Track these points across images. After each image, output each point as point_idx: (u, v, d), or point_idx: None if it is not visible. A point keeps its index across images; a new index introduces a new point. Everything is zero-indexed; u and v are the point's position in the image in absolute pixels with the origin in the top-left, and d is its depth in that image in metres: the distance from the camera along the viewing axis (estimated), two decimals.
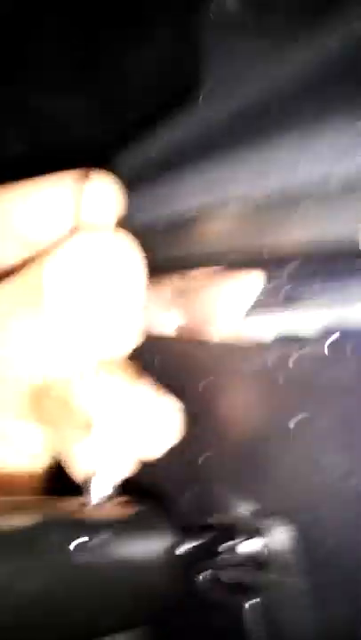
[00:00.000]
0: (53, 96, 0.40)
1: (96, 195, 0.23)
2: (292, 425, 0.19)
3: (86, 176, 0.23)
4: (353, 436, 0.17)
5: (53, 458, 0.27)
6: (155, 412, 0.22)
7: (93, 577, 0.19)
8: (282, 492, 0.20)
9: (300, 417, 0.18)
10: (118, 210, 0.25)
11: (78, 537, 0.18)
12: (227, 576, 0.23)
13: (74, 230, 0.23)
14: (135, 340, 0.22)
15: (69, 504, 0.21)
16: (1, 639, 0.17)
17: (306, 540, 0.20)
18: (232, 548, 0.21)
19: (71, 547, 0.18)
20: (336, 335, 0.18)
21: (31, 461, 0.27)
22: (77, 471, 0.23)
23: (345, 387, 0.17)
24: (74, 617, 0.18)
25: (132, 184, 0.26)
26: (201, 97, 0.26)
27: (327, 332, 0.17)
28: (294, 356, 0.18)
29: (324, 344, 0.18)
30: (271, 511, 0.21)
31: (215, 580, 0.23)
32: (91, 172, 0.24)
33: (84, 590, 0.18)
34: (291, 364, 0.18)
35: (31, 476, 0.26)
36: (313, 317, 0.17)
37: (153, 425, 0.22)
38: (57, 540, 0.18)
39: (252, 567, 0.22)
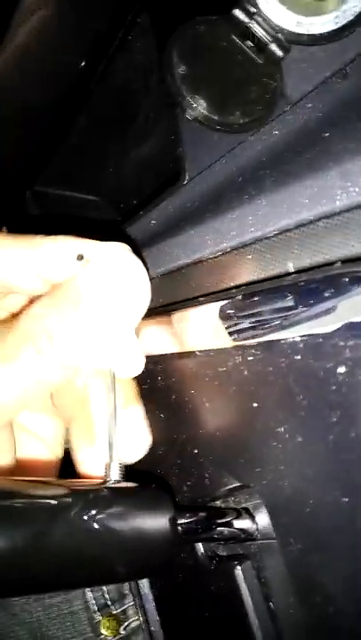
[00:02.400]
0: (69, 188, 0.48)
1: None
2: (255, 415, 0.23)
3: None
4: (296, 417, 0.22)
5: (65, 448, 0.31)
6: (134, 430, 0.27)
7: (106, 540, 0.23)
8: (258, 467, 0.25)
9: (255, 405, 0.23)
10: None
11: (94, 509, 0.23)
12: (221, 547, 0.27)
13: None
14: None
15: (87, 483, 0.26)
16: (25, 581, 0.22)
17: (285, 510, 0.24)
18: (225, 524, 0.26)
19: (86, 516, 0.23)
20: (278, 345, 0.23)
21: (48, 451, 0.31)
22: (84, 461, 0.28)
23: (284, 380, 0.22)
24: (88, 569, 0.23)
25: (138, 247, 0.33)
26: (187, 178, 0.33)
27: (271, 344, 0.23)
28: (249, 361, 0.23)
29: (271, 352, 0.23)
30: (255, 489, 0.25)
31: (211, 551, 0.27)
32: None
33: (96, 550, 0.23)
34: (246, 368, 0.24)
35: (46, 465, 0.31)
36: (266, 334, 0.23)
37: (130, 438, 0.27)
38: (77, 510, 0.23)
39: (242, 539, 0.26)
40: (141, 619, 0.37)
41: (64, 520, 0.23)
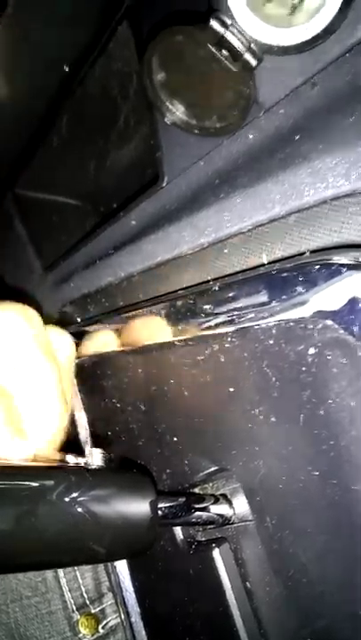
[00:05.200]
0: (50, 191, 0.49)
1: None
2: (229, 398, 0.25)
3: None
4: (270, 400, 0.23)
5: None
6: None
7: (87, 522, 0.24)
8: (235, 450, 0.26)
9: (231, 389, 0.25)
10: None
11: (75, 491, 0.24)
12: (200, 533, 0.28)
13: None
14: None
15: (70, 468, 0.27)
16: (15, 562, 0.23)
17: (261, 492, 0.25)
18: (203, 509, 0.27)
19: (68, 498, 0.24)
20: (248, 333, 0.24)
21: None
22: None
23: (258, 364, 0.24)
24: (70, 549, 0.24)
25: (119, 245, 0.34)
26: (165, 180, 0.34)
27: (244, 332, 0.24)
28: (226, 347, 0.25)
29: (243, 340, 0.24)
30: (232, 471, 0.26)
31: (190, 537, 0.28)
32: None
33: (78, 531, 0.24)
34: (223, 355, 0.25)
35: None
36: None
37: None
38: (58, 492, 0.24)
39: (220, 523, 0.27)
40: (121, 611, 0.38)
41: (45, 502, 0.24)
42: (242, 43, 0.27)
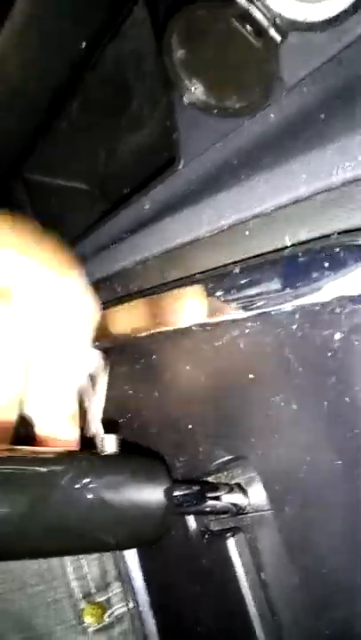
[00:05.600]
0: (60, 176, 0.48)
1: None
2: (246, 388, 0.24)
3: None
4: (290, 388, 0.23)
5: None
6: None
7: (98, 509, 0.24)
8: (253, 438, 0.25)
9: (251, 376, 0.24)
10: None
11: (86, 477, 0.24)
12: (213, 522, 0.28)
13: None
14: None
15: (89, 454, 0.26)
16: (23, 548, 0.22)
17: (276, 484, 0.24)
18: (217, 497, 0.26)
19: (79, 484, 0.23)
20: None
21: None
22: None
23: (280, 350, 0.23)
24: (80, 536, 0.24)
25: (133, 228, 0.34)
26: (182, 163, 0.33)
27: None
28: (246, 333, 0.24)
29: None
30: (249, 460, 0.26)
31: (204, 526, 0.28)
32: None
33: (88, 518, 0.23)
34: (242, 341, 0.24)
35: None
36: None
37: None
38: (68, 478, 0.23)
39: (235, 512, 0.27)
40: (130, 600, 0.37)
41: (55, 488, 0.23)
42: (267, 17, 0.26)
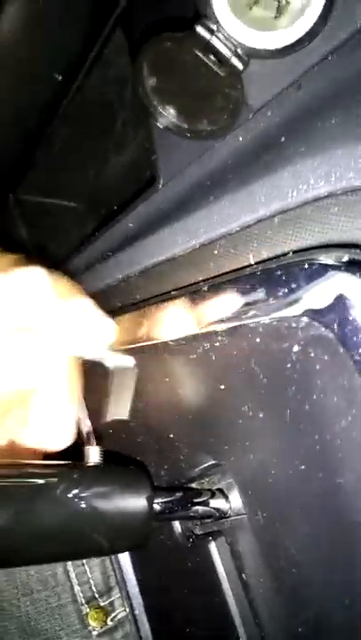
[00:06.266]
0: (51, 195, 0.50)
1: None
2: (221, 394, 0.26)
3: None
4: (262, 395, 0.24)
5: None
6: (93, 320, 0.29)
7: (88, 517, 0.25)
8: (227, 445, 0.27)
9: (222, 387, 0.26)
10: None
11: (78, 487, 0.25)
12: (197, 527, 0.29)
13: None
14: None
15: (69, 465, 0.28)
16: (18, 556, 0.24)
17: (255, 488, 0.26)
18: (200, 503, 0.28)
19: (71, 494, 0.25)
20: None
21: None
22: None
23: (246, 361, 0.24)
24: (72, 543, 0.25)
25: (117, 247, 0.35)
26: (161, 183, 0.35)
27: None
28: (216, 346, 0.26)
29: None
30: (226, 466, 0.27)
31: (189, 531, 0.29)
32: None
33: (80, 526, 0.25)
34: (213, 354, 0.26)
35: None
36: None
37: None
38: (62, 489, 0.25)
39: (217, 517, 0.28)
40: (126, 605, 0.39)
41: (50, 498, 0.25)
42: (228, 48, 0.28)
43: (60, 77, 0.36)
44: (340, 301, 0.22)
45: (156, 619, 0.36)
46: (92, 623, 0.49)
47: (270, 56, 0.28)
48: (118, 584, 0.47)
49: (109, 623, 0.49)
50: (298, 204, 0.23)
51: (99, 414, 0.32)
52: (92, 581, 0.50)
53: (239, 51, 0.28)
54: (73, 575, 0.50)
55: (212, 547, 0.29)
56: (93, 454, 0.28)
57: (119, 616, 0.49)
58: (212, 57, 0.29)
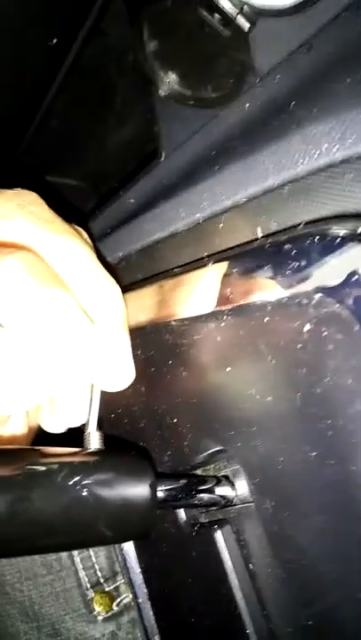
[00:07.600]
0: (50, 173, 0.48)
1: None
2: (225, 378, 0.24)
3: None
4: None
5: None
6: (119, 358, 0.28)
7: (90, 505, 0.24)
8: (232, 430, 0.25)
9: (228, 369, 0.24)
10: None
11: (79, 474, 0.24)
12: (202, 515, 0.28)
13: None
14: None
15: (70, 451, 0.27)
16: (17, 547, 0.23)
17: (261, 474, 0.25)
18: (204, 490, 0.27)
19: (72, 482, 0.24)
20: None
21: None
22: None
23: (254, 342, 0.23)
24: (74, 532, 0.24)
25: (117, 224, 0.34)
26: (163, 155, 0.33)
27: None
28: (222, 326, 0.24)
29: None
30: (231, 452, 0.26)
31: (193, 519, 0.28)
32: None
33: (81, 514, 0.24)
34: (219, 334, 0.24)
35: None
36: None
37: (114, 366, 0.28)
38: (63, 476, 0.24)
39: (222, 505, 0.27)
40: (130, 592, 0.38)
41: (50, 485, 0.24)
42: (234, 5, 0.26)
43: (55, 40, 0.34)
44: (356, 276, 0.20)
45: (160, 607, 0.35)
46: (98, 608, 0.48)
47: (279, 14, 0.26)
48: (122, 571, 0.46)
49: (115, 608, 0.49)
50: (309, 171, 0.22)
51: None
52: (97, 566, 0.50)
53: (246, 9, 0.26)
54: (77, 560, 0.50)
55: (218, 535, 0.28)
56: (94, 440, 0.27)
57: (125, 601, 0.49)
58: (216, 16, 0.27)
